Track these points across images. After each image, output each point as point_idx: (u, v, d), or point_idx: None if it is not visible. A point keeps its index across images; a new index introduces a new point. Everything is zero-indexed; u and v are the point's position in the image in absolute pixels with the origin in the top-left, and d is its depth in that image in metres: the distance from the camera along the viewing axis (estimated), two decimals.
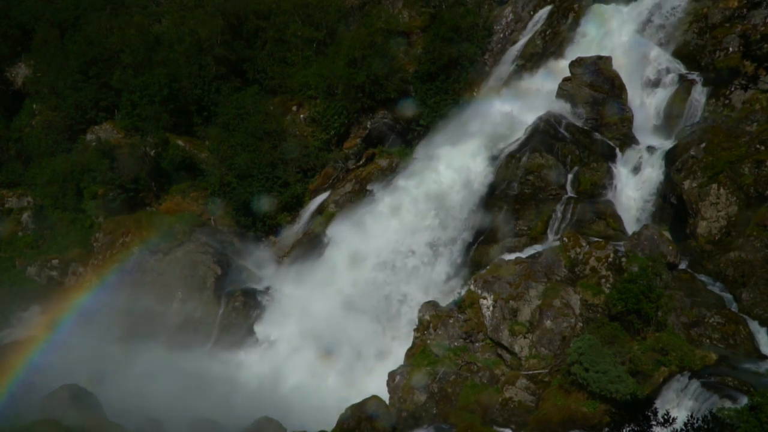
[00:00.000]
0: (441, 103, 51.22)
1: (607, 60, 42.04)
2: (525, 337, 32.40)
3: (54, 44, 60.28)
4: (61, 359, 37.09)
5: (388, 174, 47.05)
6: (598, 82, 41.25)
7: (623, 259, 33.04)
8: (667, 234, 35.50)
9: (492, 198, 39.74)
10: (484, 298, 33.61)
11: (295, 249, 48.37)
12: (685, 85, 41.68)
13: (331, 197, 49.33)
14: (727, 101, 39.81)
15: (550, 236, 37.38)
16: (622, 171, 39.40)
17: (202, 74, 57.05)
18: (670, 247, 33.94)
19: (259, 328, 43.42)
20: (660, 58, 43.40)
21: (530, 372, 31.67)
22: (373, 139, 51.85)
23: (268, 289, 45.75)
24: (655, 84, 43.00)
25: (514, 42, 52.46)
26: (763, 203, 33.86)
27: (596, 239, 34.87)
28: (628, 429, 16.65)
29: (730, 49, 41.13)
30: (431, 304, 35.61)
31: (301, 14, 58.87)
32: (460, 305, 34.48)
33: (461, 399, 31.82)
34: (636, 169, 39.24)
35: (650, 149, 39.46)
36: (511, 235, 38.52)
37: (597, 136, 40.56)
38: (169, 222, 47.65)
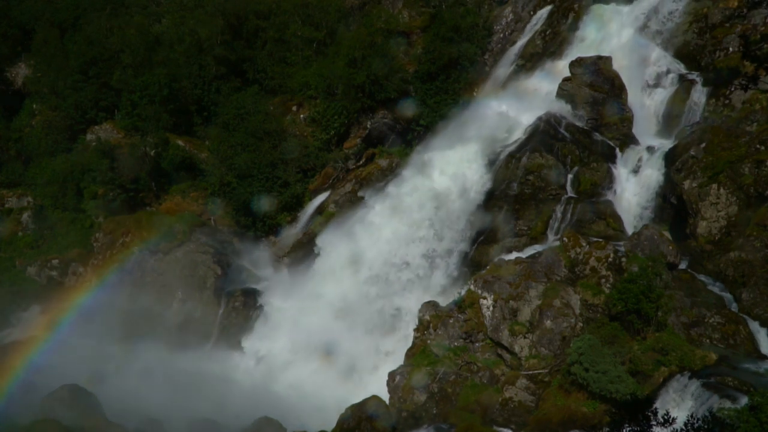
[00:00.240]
0: (441, 103, 51.20)
1: (607, 60, 42.04)
2: (525, 337, 32.40)
3: (54, 44, 60.29)
4: (61, 359, 37.08)
5: (388, 174, 46.68)
6: (598, 82, 41.25)
7: (623, 259, 33.04)
8: (667, 234, 35.50)
9: (491, 199, 39.62)
10: (484, 298, 33.60)
11: (290, 254, 47.85)
12: (685, 85, 41.70)
13: (331, 197, 49.31)
14: (727, 101, 39.81)
15: (550, 236, 37.39)
16: (622, 171, 39.39)
17: (202, 74, 57.04)
18: (670, 247, 33.94)
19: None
20: (660, 58, 43.42)
21: (530, 372, 31.67)
22: (373, 139, 51.83)
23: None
24: (655, 84, 43.02)
25: (514, 42, 52.46)
26: (763, 203, 33.86)
27: (596, 239, 34.88)
28: (628, 429, 16.64)
29: (730, 49, 41.13)
30: (431, 304, 35.60)
31: (301, 14, 58.85)
32: (460, 305, 34.48)
33: (461, 399, 31.82)
34: (636, 169, 39.24)
35: (650, 149, 39.46)
36: (511, 235, 38.52)
37: (597, 136, 40.56)
38: (169, 222, 47.64)
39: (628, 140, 40.39)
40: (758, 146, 35.32)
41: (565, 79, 42.01)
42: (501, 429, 30.38)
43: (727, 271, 33.31)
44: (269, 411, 32.73)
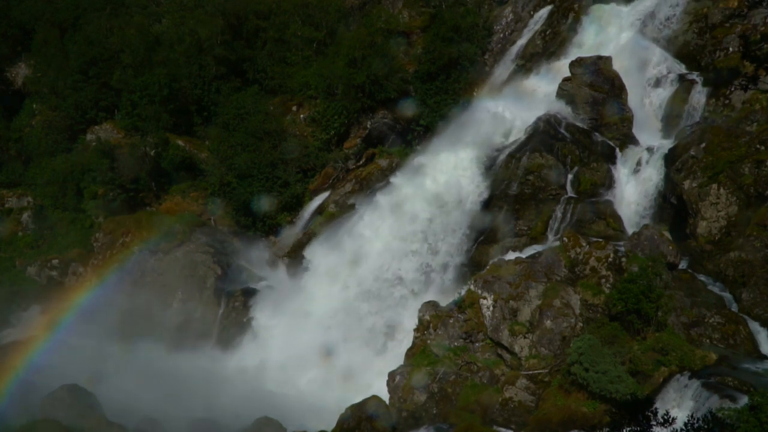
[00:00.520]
0: (441, 103, 51.21)
1: (607, 60, 42.02)
2: (525, 337, 32.38)
3: (54, 44, 60.33)
4: (61, 359, 37.06)
5: (388, 174, 46.39)
6: (598, 82, 41.24)
7: (623, 259, 33.03)
8: (667, 234, 35.47)
9: (491, 200, 39.54)
10: (484, 298, 33.58)
11: (290, 254, 47.23)
12: (685, 85, 41.70)
13: (331, 197, 49.31)
14: (727, 101, 39.81)
15: (550, 236, 37.36)
16: (622, 171, 39.35)
17: (202, 74, 57.05)
18: (670, 247, 33.93)
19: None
20: (660, 58, 43.41)
21: (530, 372, 31.66)
22: (373, 139, 51.83)
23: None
24: (655, 84, 43.02)
25: (514, 42, 52.46)
26: (763, 203, 33.85)
27: (596, 239, 34.85)
28: (628, 429, 16.63)
29: (730, 49, 41.13)
30: (431, 304, 35.55)
31: (301, 14, 58.87)
32: (460, 305, 34.44)
33: (461, 399, 31.79)
34: (636, 169, 39.22)
35: (650, 149, 39.43)
36: (511, 235, 38.47)
37: (597, 136, 40.53)
38: (169, 222, 47.66)
39: (628, 140, 40.37)
40: (758, 146, 35.31)
41: (565, 79, 42.00)
42: (501, 429, 30.35)
43: (727, 271, 33.29)
44: (269, 411, 32.68)
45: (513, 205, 38.69)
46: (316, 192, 51.21)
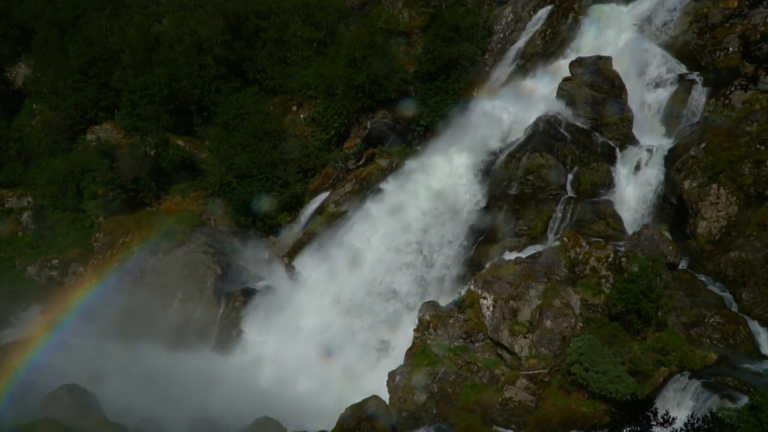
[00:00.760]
0: (441, 103, 51.22)
1: (607, 60, 42.02)
2: (525, 337, 32.38)
3: (54, 44, 60.31)
4: (61, 359, 37.04)
5: (388, 174, 46.33)
6: (598, 82, 41.24)
7: (623, 259, 33.03)
8: (667, 234, 35.48)
9: (491, 200, 39.53)
10: (484, 298, 33.58)
11: (290, 254, 46.86)
12: (685, 85, 41.69)
13: (331, 197, 49.31)
14: (727, 101, 39.80)
15: (550, 236, 37.36)
16: (622, 171, 39.36)
17: (202, 74, 57.06)
18: (670, 247, 33.92)
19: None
20: (660, 58, 43.39)
21: (530, 372, 31.66)
22: (373, 139, 51.84)
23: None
24: (655, 84, 43.00)
25: (514, 42, 52.47)
26: (763, 203, 33.84)
27: (596, 239, 34.85)
28: (628, 429, 16.61)
29: (730, 49, 41.13)
30: (431, 304, 35.56)
31: (301, 14, 58.88)
32: (460, 305, 34.45)
33: (461, 399, 31.79)
34: (636, 169, 39.22)
35: (650, 149, 39.43)
36: (511, 235, 38.46)
37: (597, 136, 40.54)
38: (169, 222, 47.64)
39: (628, 140, 40.38)
40: (758, 146, 35.30)
41: (565, 79, 42.00)
42: (501, 429, 30.35)
43: (727, 271, 33.28)
44: (269, 411, 32.69)
45: (513, 205, 38.69)
46: (316, 192, 51.21)
